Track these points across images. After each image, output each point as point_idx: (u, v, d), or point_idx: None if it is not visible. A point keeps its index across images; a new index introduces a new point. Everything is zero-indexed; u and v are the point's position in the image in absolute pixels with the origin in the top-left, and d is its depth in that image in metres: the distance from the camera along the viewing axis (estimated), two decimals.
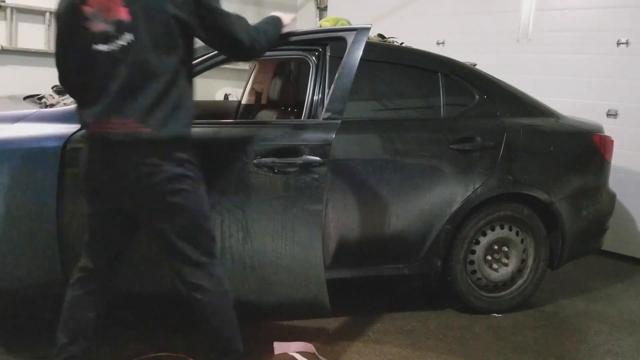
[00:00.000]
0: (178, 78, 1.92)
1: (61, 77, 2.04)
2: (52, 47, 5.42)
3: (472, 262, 3.10)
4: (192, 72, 2.04)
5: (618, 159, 3.82)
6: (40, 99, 2.91)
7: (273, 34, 2.19)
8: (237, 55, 2.21)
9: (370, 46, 2.62)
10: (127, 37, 1.83)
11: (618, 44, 4.21)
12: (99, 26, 1.84)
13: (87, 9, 1.84)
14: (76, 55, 1.90)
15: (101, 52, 1.84)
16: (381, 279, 3.46)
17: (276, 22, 2.25)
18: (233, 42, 2.00)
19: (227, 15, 1.96)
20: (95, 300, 2.10)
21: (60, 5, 1.92)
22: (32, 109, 2.52)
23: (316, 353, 2.60)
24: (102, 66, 1.85)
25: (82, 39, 1.86)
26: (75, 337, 2.08)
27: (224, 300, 2.08)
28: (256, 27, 2.10)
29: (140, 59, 1.84)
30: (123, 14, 1.83)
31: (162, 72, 1.87)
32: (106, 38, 1.84)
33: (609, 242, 3.78)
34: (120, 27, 1.83)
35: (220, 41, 2.01)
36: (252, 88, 4.22)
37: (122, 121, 1.85)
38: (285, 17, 2.30)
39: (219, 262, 2.10)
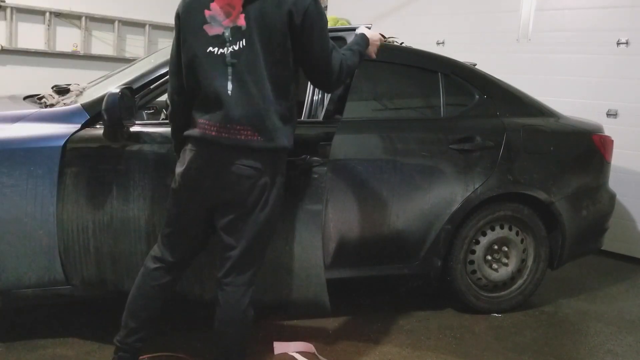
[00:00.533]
0: (289, 90, 1.97)
1: (173, 73, 2.05)
2: (51, 47, 5.46)
3: (472, 262, 3.10)
4: (297, 86, 2.05)
5: (618, 159, 3.82)
6: (40, 99, 2.90)
7: (354, 65, 2.13)
8: (321, 84, 2.14)
9: None
10: (240, 43, 1.88)
11: (618, 43, 4.21)
12: (215, 30, 1.90)
13: (207, 12, 1.91)
14: (191, 55, 1.93)
15: (213, 54, 1.89)
16: (381, 279, 3.47)
17: (362, 48, 2.19)
18: (324, 70, 2.00)
19: (328, 40, 1.99)
20: (166, 292, 2.18)
21: (186, 6, 1.97)
22: (32, 109, 2.52)
23: (316, 353, 2.60)
24: (214, 69, 1.89)
25: (199, 41, 1.91)
26: (144, 324, 2.17)
27: (245, 323, 2.06)
28: (346, 59, 2.06)
29: (251, 65, 1.88)
30: (240, 21, 1.88)
31: (273, 82, 1.91)
32: (221, 42, 1.89)
33: (609, 242, 3.77)
34: (236, 33, 1.89)
35: (313, 66, 2.00)
36: None
37: (236, 127, 1.89)
38: (373, 36, 2.26)
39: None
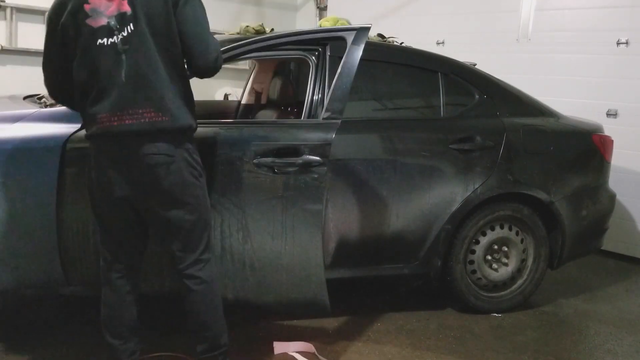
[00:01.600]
0: (182, 69, 1.98)
1: (55, 80, 2.04)
2: None
3: (472, 262, 3.10)
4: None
5: (618, 159, 3.81)
6: (40, 98, 2.91)
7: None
8: (200, 65, 2.02)
9: (370, 46, 2.63)
10: (128, 28, 1.88)
11: (618, 43, 4.21)
12: (100, 21, 1.88)
13: (87, 7, 1.89)
14: (80, 53, 1.91)
15: (104, 45, 1.88)
16: (381, 279, 3.46)
17: None
18: (205, 49, 1.98)
19: (206, 21, 2.04)
20: (135, 296, 2.17)
21: (59, 8, 1.92)
22: (32, 109, 2.52)
23: (316, 353, 2.60)
24: (107, 60, 1.88)
25: (86, 37, 1.88)
26: (129, 335, 2.16)
27: (215, 296, 2.14)
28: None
29: (142, 48, 1.89)
30: (124, 7, 1.88)
31: (166, 62, 1.92)
32: (109, 32, 1.88)
33: (609, 242, 3.78)
34: (122, 19, 1.89)
35: (193, 45, 1.97)
36: (252, 88, 4.22)
37: (138, 111, 1.88)
38: None
39: (214, 260, 2.18)
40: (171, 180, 1.96)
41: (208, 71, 2.04)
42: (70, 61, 1.95)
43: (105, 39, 1.88)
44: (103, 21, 1.88)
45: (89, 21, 1.88)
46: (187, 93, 2.02)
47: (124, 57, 1.88)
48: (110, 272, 2.12)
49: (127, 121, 1.88)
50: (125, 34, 1.88)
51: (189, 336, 2.67)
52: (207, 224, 2.12)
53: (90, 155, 2.02)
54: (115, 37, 1.88)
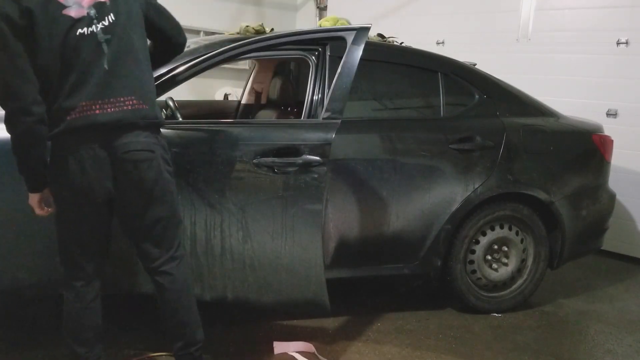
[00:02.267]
0: (149, 63, 2.01)
1: (23, 76, 1.82)
2: None
3: (472, 262, 3.10)
4: None
5: (618, 159, 3.81)
6: None
7: None
8: (181, 43, 2.24)
9: (370, 46, 2.63)
10: (108, 18, 1.88)
11: (618, 43, 4.21)
12: (79, 12, 1.85)
13: None
14: (57, 45, 1.82)
15: (84, 35, 1.85)
16: (381, 278, 3.47)
17: None
18: (180, 29, 2.17)
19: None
20: (99, 300, 2.12)
21: (28, 1, 1.79)
22: None
23: (316, 353, 2.60)
24: (87, 49, 1.85)
25: (63, 27, 1.82)
26: (95, 342, 2.12)
27: (190, 293, 2.15)
28: None
29: (123, 38, 1.90)
30: None
31: (142, 52, 1.96)
32: (89, 22, 1.86)
33: (609, 242, 3.77)
34: (101, 9, 1.88)
35: (172, 27, 2.15)
36: (252, 88, 4.22)
37: (120, 99, 1.87)
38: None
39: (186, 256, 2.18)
40: (152, 176, 1.95)
41: (181, 50, 2.27)
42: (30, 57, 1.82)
43: (85, 29, 1.85)
44: (83, 12, 1.85)
45: (66, 12, 1.83)
46: (154, 87, 2.06)
47: (104, 46, 1.86)
48: (74, 281, 2.05)
49: (109, 109, 1.85)
50: (106, 23, 1.87)
51: None
52: (180, 221, 2.13)
53: (56, 158, 1.90)
54: (94, 27, 1.86)
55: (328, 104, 2.41)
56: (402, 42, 3.47)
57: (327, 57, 2.76)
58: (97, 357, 2.13)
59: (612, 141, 3.41)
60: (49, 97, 1.86)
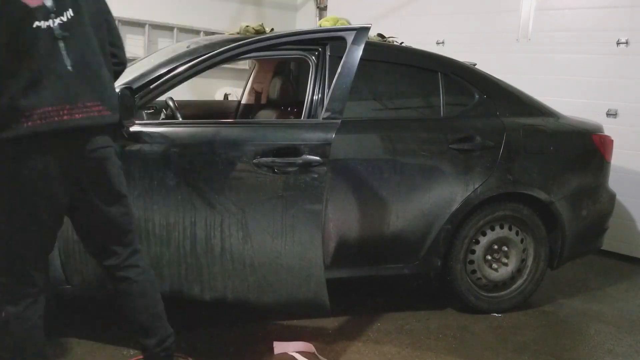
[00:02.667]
0: (110, 63, 1.96)
1: None
2: None
3: (472, 262, 3.09)
4: None
5: (618, 159, 3.81)
6: None
7: None
8: (124, 64, 2.13)
9: (370, 46, 2.63)
10: (67, 14, 1.76)
11: (618, 43, 4.21)
12: (36, 1, 1.71)
13: None
14: (7, 34, 1.67)
15: (40, 28, 1.70)
16: (381, 278, 3.47)
17: None
18: (124, 52, 2.09)
19: None
20: (42, 314, 1.92)
21: None
22: None
23: (316, 353, 2.60)
24: (43, 45, 1.70)
25: (18, 16, 1.68)
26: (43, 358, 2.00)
27: (155, 286, 2.11)
28: None
29: (83, 35, 1.81)
30: None
31: (102, 49, 1.89)
32: (45, 14, 1.72)
33: (609, 242, 3.77)
34: (60, 3, 1.76)
35: (120, 47, 2.06)
36: (252, 88, 4.22)
37: (87, 104, 1.78)
38: None
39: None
40: (114, 172, 1.93)
41: (122, 71, 2.13)
42: None
43: (42, 22, 1.70)
44: (39, 1, 1.70)
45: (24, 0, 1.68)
46: (115, 91, 1.98)
47: (62, 44, 1.73)
48: (20, 299, 1.83)
49: (77, 115, 1.74)
50: (64, 19, 1.74)
51: (189, 336, 2.68)
52: (133, 216, 2.10)
53: (8, 163, 1.73)
54: (51, 21, 1.72)
55: (328, 104, 2.41)
56: (402, 42, 3.47)
57: (327, 57, 2.76)
58: None
59: (612, 141, 3.41)
60: (7, 89, 1.68)
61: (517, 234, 3.15)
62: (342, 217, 2.78)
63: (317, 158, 2.34)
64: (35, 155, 1.72)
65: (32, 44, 1.69)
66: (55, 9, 1.73)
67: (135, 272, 2.05)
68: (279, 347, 2.63)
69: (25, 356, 1.89)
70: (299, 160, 2.34)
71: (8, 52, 1.67)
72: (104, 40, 1.93)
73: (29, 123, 1.67)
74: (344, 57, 2.44)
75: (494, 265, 3.14)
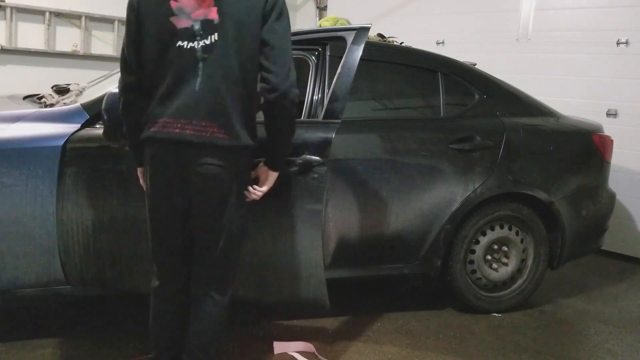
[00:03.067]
0: (255, 88, 1.90)
1: (129, 69, 1.92)
2: (51, 47, 5.44)
3: (471, 262, 3.10)
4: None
5: (618, 159, 3.82)
6: (40, 98, 2.91)
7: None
8: (274, 78, 1.85)
9: (370, 46, 2.62)
10: (212, 37, 1.82)
11: (618, 43, 4.21)
12: (184, 22, 1.81)
13: (173, 4, 1.82)
14: (156, 49, 1.84)
15: (183, 48, 1.81)
16: (381, 278, 3.46)
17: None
18: (282, 62, 1.86)
19: (289, 35, 1.92)
20: (175, 308, 2.09)
21: None
22: (32, 109, 2.52)
23: (316, 353, 2.60)
24: (183, 64, 1.82)
25: (166, 34, 1.82)
26: (167, 346, 2.10)
27: (221, 323, 2.06)
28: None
29: (223, 61, 1.83)
30: (212, 14, 1.81)
31: (242, 79, 1.85)
32: (190, 36, 1.81)
33: (609, 242, 3.78)
34: (207, 27, 1.82)
35: (271, 55, 1.86)
36: None
37: (202, 124, 1.82)
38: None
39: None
40: (220, 194, 1.91)
41: (277, 98, 1.85)
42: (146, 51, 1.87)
43: (185, 42, 1.81)
44: (186, 23, 1.81)
45: (173, 19, 1.81)
46: (252, 112, 1.94)
47: (200, 65, 1.82)
48: (155, 279, 2.06)
49: (188, 131, 1.82)
50: (208, 42, 1.81)
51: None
52: (237, 261, 2.09)
53: (144, 158, 1.95)
54: (195, 43, 1.81)
55: (328, 103, 2.41)
56: (402, 42, 3.47)
57: (327, 57, 2.76)
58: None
59: (612, 141, 3.42)
60: (148, 96, 1.89)
61: (517, 234, 3.15)
62: (342, 217, 2.78)
63: (317, 158, 2.34)
64: (159, 155, 1.90)
65: (173, 61, 1.83)
66: (201, 32, 1.82)
67: (211, 304, 2.02)
68: (279, 347, 2.63)
69: (156, 335, 2.09)
70: (299, 160, 2.34)
71: (156, 66, 1.85)
72: (249, 66, 1.86)
73: (152, 129, 1.87)
74: (344, 57, 2.44)
75: (494, 265, 3.14)
